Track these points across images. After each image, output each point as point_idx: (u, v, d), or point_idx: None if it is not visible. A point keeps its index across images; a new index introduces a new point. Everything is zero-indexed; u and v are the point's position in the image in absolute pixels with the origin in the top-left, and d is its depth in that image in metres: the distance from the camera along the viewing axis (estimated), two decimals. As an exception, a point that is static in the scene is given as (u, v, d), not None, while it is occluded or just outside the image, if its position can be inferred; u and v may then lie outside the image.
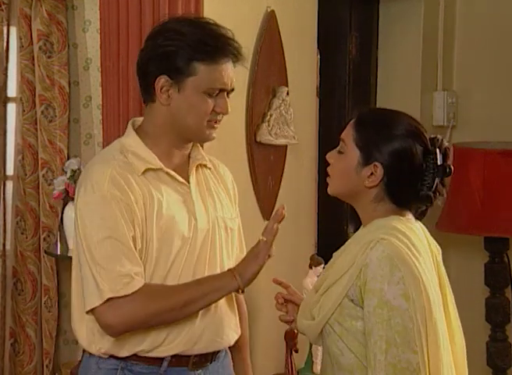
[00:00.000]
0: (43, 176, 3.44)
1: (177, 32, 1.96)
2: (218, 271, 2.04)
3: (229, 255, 2.10)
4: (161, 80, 1.95)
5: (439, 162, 1.85)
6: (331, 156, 1.92)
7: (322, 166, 3.87)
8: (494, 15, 3.94)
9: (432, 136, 1.89)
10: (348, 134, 1.90)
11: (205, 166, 2.11)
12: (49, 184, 3.42)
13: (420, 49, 3.90)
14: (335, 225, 3.96)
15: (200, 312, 2.00)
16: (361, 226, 1.95)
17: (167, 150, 2.02)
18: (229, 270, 2.00)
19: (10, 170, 3.50)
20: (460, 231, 3.47)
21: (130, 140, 2.02)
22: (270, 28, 3.22)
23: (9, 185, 3.51)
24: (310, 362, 3.37)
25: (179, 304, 1.94)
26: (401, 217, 1.86)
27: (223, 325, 2.07)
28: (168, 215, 1.97)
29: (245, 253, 2.08)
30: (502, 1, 3.93)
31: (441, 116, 3.91)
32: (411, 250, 1.79)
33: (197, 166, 2.07)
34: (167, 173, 2.00)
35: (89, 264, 1.89)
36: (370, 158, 1.84)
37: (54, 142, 3.41)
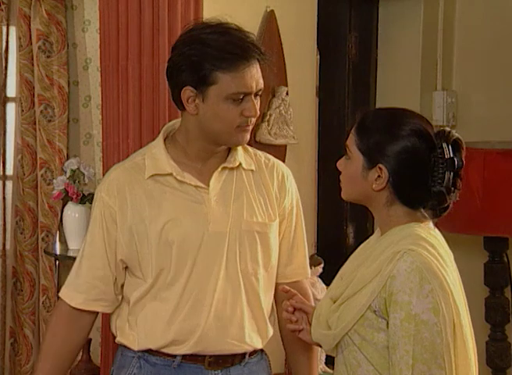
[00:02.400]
0: (42, 176, 3.44)
1: (200, 41, 1.97)
2: (238, 275, 2.04)
3: (256, 260, 2.07)
4: (187, 92, 1.97)
5: (447, 156, 1.81)
6: (340, 163, 1.90)
7: (322, 166, 3.90)
8: (493, 14, 3.93)
9: (439, 129, 1.85)
10: (351, 140, 1.87)
11: (238, 168, 2.08)
12: (48, 184, 3.42)
13: (419, 49, 3.89)
14: (334, 225, 3.96)
15: (214, 315, 2.01)
16: (376, 231, 1.93)
17: (195, 154, 2.04)
18: None
19: (10, 170, 3.49)
20: (459, 231, 3.46)
21: (156, 142, 2.09)
22: (269, 28, 3.22)
23: (9, 185, 3.50)
24: (309, 362, 3.37)
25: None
26: (421, 224, 1.83)
27: (244, 328, 2.06)
28: (170, 218, 1.99)
29: (300, 249, 2.17)
30: (501, 0, 3.93)
31: (440, 116, 3.90)
32: (439, 261, 1.75)
33: (223, 169, 2.05)
34: (176, 179, 2.01)
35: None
36: (373, 161, 1.82)
37: (53, 142, 3.41)
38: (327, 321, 1.85)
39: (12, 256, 3.48)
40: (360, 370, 1.79)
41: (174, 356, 2.04)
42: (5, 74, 3.40)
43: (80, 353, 3.22)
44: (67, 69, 3.41)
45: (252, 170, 2.12)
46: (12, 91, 3.44)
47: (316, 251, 3.69)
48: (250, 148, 2.18)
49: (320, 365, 3.33)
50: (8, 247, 3.48)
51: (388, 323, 1.74)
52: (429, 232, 1.82)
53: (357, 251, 1.99)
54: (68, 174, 3.22)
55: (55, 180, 3.27)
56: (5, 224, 3.46)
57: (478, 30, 3.97)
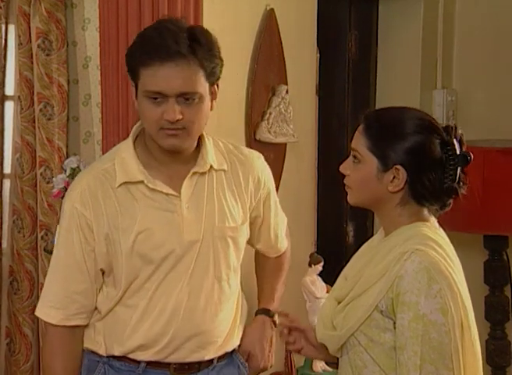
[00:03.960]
0: (41, 174, 3.43)
1: (137, 37, 1.96)
2: (212, 282, 2.02)
3: (229, 265, 2.05)
4: (132, 87, 1.95)
5: (458, 152, 1.79)
6: (346, 167, 1.84)
7: (322, 164, 3.90)
8: (493, 13, 3.94)
9: (445, 125, 1.82)
10: (360, 142, 1.81)
11: (209, 170, 2.03)
12: (47, 182, 3.41)
13: (419, 47, 3.90)
14: (334, 223, 3.96)
15: (183, 323, 1.98)
16: (379, 231, 1.91)
17: (159, 157, 1.99)
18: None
19: (7, 168, 3.49)
20: (459, 229, 3.46)
21: (125, 146, 2.03)
22: (269, 26, 3.22)
23: (7, 183, 3.50)
24: (309, 361, 3.37)
25: None
26: (427, 223, 1.81)
27: (214, 337, 2.04)
28: (142, 228, 1.95)
29: (266, 229, 2.21)
30: (501, -1, 3.94)
31: (440, 114, 3.91)
32: (447, 261, 1.74)
33: (193, 174, 2.00)
34: (147, 187, 1.96)
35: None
36: (389, 162, 1.77)
37: (52, 140, 3.40)
38: (332, 322, 1.83)
39: (9, 255, 3.47)
40: (366, 371, 1.77)
41: (139, 362, 2.01)
42: (4, 72, 3.39)
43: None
44: (67, 68, 3.40)
45: (224, 170, 2.05)
46: (10, 89, 3.44)
47: (316, 249, 3.70)
48: (221, 144, 2.11)
49: (320, 363, 3.33)
50: (4, 245, 3.48)
51: (395, 324, 1.72)
52: (436, 232, 1.81)
53: (360, 251, 1.96)
54: (68, 172, 3.21)
55: (54, 179, 3.27)
56: (1, 223, 3.45)
57: (477, 28, 3.97)
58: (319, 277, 3.30)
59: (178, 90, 1.87)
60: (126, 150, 2.01)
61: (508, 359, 3.70)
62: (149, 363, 2.01)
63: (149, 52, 1.87)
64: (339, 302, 1.85)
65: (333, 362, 1.99)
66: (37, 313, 2.06)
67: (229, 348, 2.10)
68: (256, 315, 2.26)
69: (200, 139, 2.04)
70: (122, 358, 2.02)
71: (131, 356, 2.01)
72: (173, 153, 1.97)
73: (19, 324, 3.42)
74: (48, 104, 3.38)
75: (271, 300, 2.27)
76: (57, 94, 3.36)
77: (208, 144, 2.05)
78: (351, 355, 1.80)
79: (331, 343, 1.85)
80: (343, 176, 1.86)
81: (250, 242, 2.20)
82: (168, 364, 2.01)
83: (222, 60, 1.98)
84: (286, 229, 2.35)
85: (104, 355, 2.03)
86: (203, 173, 2.02)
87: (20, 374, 3.39)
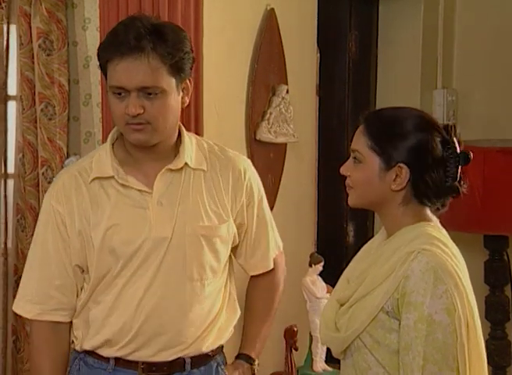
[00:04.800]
0: (43, 174, 3.44)
1: (109, 32, 1.96)
2: (182, 281, 2.00)
3: (202, 265, 2.02)
4: (106, 84, 1.97)
5: (458, 150, 1.78)
6: (347, 169, 1.84)
7: (322, 164, 3.90)
8: (493, 13, 3.94)
9: (445, 124, 1.82)
10: (360, 142, 1.81)
11: (185, 169, 2.02)
12: (49, 182, 3.41)
13: (420, 47, 3.90)
14: (334, 223, 3.96)
15: (147, 320, 1.98)
16: (380, 232, 1.90)
17: (133, 154, 2.01)
18: None
19: (11, 168, 3.49)
20: (459, 229, 3.46)
21: (105, 144, 2.07)
22: (270, 26, 3.22)
23: (10, 183, 3.50)
24: (309, 360, 3.38)
25: None
26: (430, 223, 1.80)
27: (181, 336, 2.01)
28: (111, 224, 1.97)
29: (262, 241, 2.16)
30: (501, -1, 3.94)
31: (441, 114, 3.91)
32: (453, 261, 1.73)
33: (166, 170, 2.00)
34: (118, 182, 1.98)
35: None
36: (391, 160, 1.76)
37: (53, 140, 3.41)
38: (335, 324, 1.82)
39: (14, 254, 3.48)
40: (370, 373, 1.76)
41: (108, 359, 2.02)
42: (6, 72, 3.39)
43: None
44: (67, 68, 3.40)
45: (203, 170, 2.05)
46: (13, 89, 3.44)
47: (316, 249, 3.70)
48: (206, 145, 2.11)
49: (320, 363, 3.33)
50: (9, 245, 3.49)
51: (400, 324, 1.71)
52: (440, 231, 1.80)
53: (361, 252, 1.96)
54: (68, 172, 3.22)
55: (54, 179, 3.27)
56: (6, 222, 3.46)
57: (478, 28, 3.97)
58: (319, 277, 3.30)
59: (137, 84, 1.88)
60: (103, 148, 2.05)
61: (508, 359, 3.70)
62: (117, 361, 2.02)
63: (112, 47, 1.89)
64: (341, 304, 1.83)
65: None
66: (14, 308, 2.08)
67: (200, 350, 2.05)
68: (236, 358, 2.22)
69: (180, 136, 2.05)
70: (93, 353, 2.04)
71: (99, 352, 2.03)
72: (145, 149, 1.98)
73: (23, 323, 3.44)
74: (49, 104, 3.38)
75: (254, 344, 2.21)
76: (58, 94, 3.36)
77: (188, 142, 2.05)
78: (355, 357, 1.79)
79: (335, 345, 1.84)
80: (344, 177, 1.86)
81: (233, 253, 2.17)
82: (136, 363, 2.01)
83: (190, 56, 1.96)
84: (282, 257, 2.29)
85: (80, 350, 2.06)
86: (177, 170, 2.01)
87: (24, 372, 3.40)
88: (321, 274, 3.31)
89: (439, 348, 1.66)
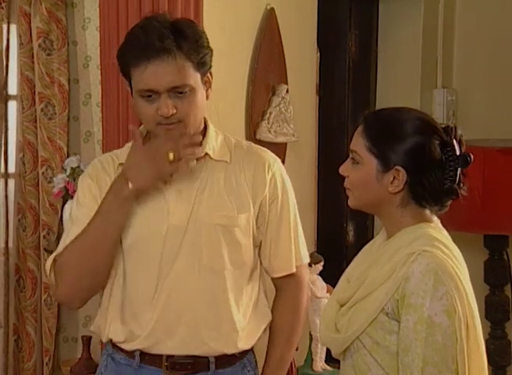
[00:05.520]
0: (43, 173, 3.44)
1: (125, 36, 1.97)
2: (198, 269, 1.99)
3: (221, 254, 1.99)
4: (128, 87, 1.98)
5: (458, 153, 1.77)
6: (345, 169, 1.83)
7: (322, 164, 3.90)
8: (493, 13, 3.94)
9: (445, 125, 1.81)
10: (359, 143, 1.80)
11: (206, 158, 2.03)
12: (49, 182, 3.41)
13: (420, 47, 3.90)
14: (334, 223, 3.96)
15: (164, 312, 1.97)
16: (380, 233, 1.89)
17: None
18: (121, 175, 1.96)
19: (12, 168, 3.50)
20: (459, 229, 3.46)
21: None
22: (270, 26, 3.22)
23: (11, 183, 3.51)
24: (309, 360, 3.37)
25: (90, 232, 1.96)
26: (431, 224, 1.80)
27: (201, 329, 1.99)
28: (131, 210, 1.97)
29: (286, 241, 2.10)
30: (501, -1, 3.94)
31: (440, 114, 3.91)
32: (454, 262, 1.72)
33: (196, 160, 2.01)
34: None
35: None
36: (389, 163, 1.76)
37: (53, 140, 3.41)
38: (335, 325, 1.81)
39: (15, 254, 3.48)
40: (370, 374, 1.76)
41: (133, 355, 2.01)
42: (7, 72, 3.40)
43: (80, 350, 3.23)
44: (67, 67, 3.40)
45: (226, 161, 2.05)
46: (13, 88, 3.44)
47: (316, 248, 3.70)
48: (233, 140, 2.11)
49: (320, 363, 3.33)
50: (10, 244, 3.49)
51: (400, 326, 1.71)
52: (441, 232, 1.80)
53: (361, 253, 1.95)
54: (68, 172, 3.22)
55: (55, 178, 3.27)
56: (7, 222, 3.46)
57: (478, 28, 3.98)
58: (319, 277, 3.30)
59: (167, 85, 1.89)
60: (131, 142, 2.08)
61: (508, 359, 3.71)
62: (142, 357, 2.00)
63: (136, 52, 1.90)
64: (341, 305, 1.83)
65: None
66: (49, 260, 2.04)
67: (223, 350, 2.03)
68: None
69: (205, 129, 2.06)
70: (118, 348, 2.04)
71: (123, 346, 2.02)
72: None
73: (24, 322, 3.44)
74: (49, 103, 3.38)
75: (277, 371, 2.16)
76: (58, 94, 3.37)
77: (213, 135, 2.06)
78: (355, 358, 1.78)
79: (334, 346, 1.84)
80: (343, 178, 1.85)
81: (258, 255, 2.13)
82: (160, 359, 2.00)
83: (210, 49, 1.98)
84: (307, 271, 2.23)
85: (105, 341, 2.07)
86: (198, 160, 2.01)
87: (25, 371, 3.40)
88: (321, 274, 3.31)
89: (438, 349, 1.66)
